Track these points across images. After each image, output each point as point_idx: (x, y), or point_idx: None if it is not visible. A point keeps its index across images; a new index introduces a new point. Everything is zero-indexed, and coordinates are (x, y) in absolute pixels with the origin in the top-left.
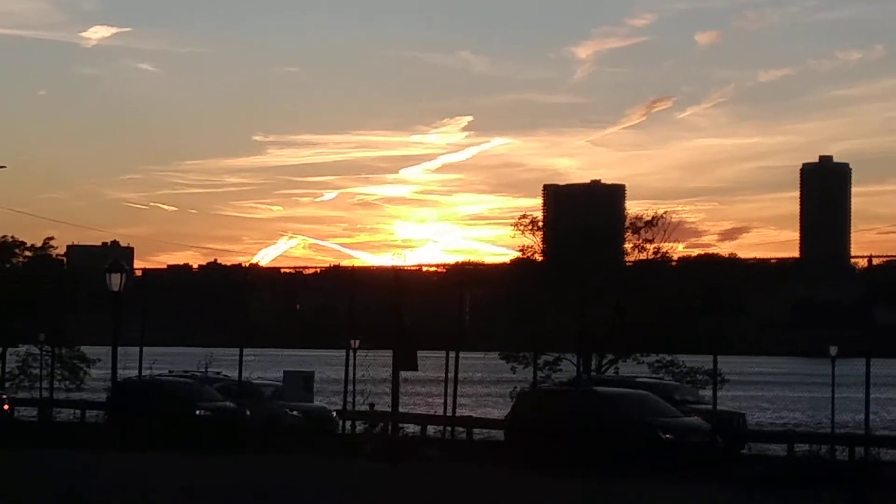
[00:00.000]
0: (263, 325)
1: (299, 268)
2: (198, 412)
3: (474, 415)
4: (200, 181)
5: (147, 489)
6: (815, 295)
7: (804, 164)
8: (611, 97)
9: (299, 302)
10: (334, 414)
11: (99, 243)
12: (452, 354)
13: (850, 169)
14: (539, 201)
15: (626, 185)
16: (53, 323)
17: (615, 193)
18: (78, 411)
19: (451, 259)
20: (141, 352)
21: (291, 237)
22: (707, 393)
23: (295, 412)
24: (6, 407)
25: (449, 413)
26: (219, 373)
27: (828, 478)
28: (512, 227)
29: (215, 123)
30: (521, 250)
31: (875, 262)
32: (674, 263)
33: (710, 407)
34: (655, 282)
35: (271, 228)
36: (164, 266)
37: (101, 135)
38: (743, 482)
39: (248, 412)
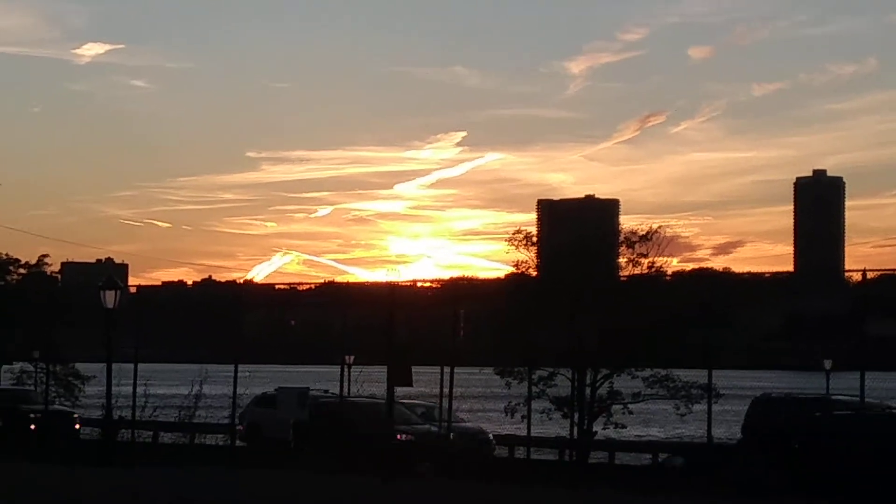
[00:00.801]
0: (257, 341)
1: (293, 284)
2: (399, 436)
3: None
4: (194, 197)
5: None
6: (809, 308)
7: (798, 178)
8: (604, 112)
9: (293, 318)
10: (491, 436)
11: (93, 260)
12: (447, 370)
13: (844, 182)
14: (533, 216)
15: (620, 199)
16: (48, 340)
17: (609, 208)
18: (150, 432)
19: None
20: (136, 368)
21: (286, 253)
22: None
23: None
24: (77, 427)
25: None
26: (326, 391)
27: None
28: (506, 243)
29: (209, 140)
30: (516, 265)
31: (869, 275)
32: (668, 278)
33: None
34: (650, 296)
35: (265, 244)
36: (159, 283)
37: (95, 151)
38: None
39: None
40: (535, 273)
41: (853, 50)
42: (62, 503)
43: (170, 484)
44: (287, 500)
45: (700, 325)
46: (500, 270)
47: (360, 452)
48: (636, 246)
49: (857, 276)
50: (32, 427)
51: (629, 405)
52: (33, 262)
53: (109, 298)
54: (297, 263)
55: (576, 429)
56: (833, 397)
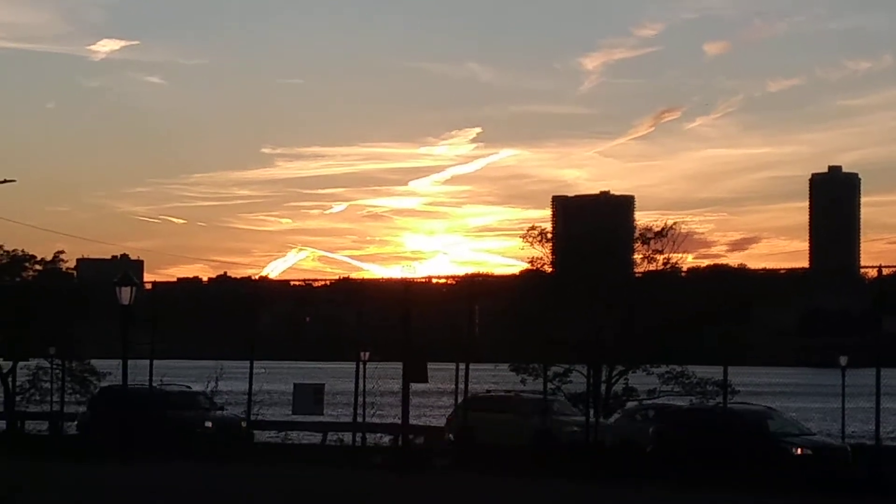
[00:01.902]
0: (273, 338)
1: (309, 280)
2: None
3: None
4: (209, 194)
5: None
6: (824, 305)
7: (813, 174)
8: (619, 108)
9: (309, 314)
10: (243, 423)
11: (109, 256)
12: (462, 366)
13: (860, 179)
14: (548, 212)
15: (635, 195)
16: (63, 336)
17: (624, 204)
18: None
19: (461, 271)
20: (151, 364)
21: (301, 250)
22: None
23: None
24: (243, 424)
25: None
26: (489, 390)
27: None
28: (521, 239)
29: (224, 136)
30: (531, 262)
31: (885, 272)
32: (683, 274)
33: None
34: (665, 293)
35: (281, 241)
36: (174, 279)
37: (110, 148)
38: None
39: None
40: (549, 269)
41: (869, 46)
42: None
43: (187, 479)
44: (301, 493)
45: (716, 321)
46: (514, 267)
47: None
48: (651, 242)
49: (872, 273)
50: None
51: (644, 402)
52: (49, 258)
53: (125, 295)
54: (313, 260)
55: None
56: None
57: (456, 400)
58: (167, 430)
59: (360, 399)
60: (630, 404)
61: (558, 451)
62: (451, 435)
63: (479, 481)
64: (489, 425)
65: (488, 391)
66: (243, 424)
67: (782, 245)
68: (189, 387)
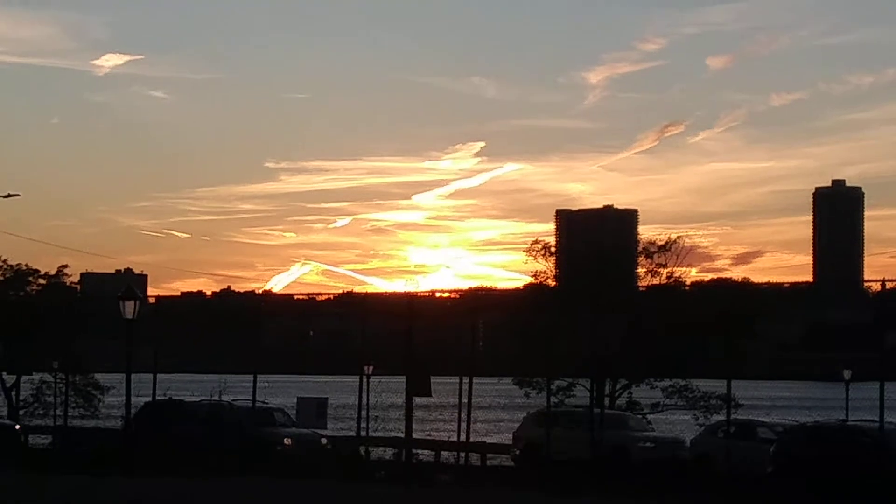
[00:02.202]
0: (277, 352)
1: (312, 294)
2: None
3: (488, 440)
4: (213, 208)
5: None
6: (828, 319)
7: (817, 188)
8: (623, 122)
9: (312, 328)
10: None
11: (112, 271)
12: (466, 380)
13: (863, 192)
14: (552, 226)
15: (639, 209)
16: (67, 351)
17: (628, 218)
18: None
19: (464, 285)
20: (154, 379)
21: (304, 263)
22: None
23: (648, 443)
24: (324, 441)
25: (463, 439)
26: (557, 404)
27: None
28: (524, 253)
29: (227, 150)
30: (534, 276)
31: (888, 285)
32: (687, 288)
33: None
34: (669, 306)
35: (284, 255)
36: (178, 293)
37: (114, 162)
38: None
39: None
40: (553, 283)
41: (872, 60)
42: None
43: (190, 495)
44: None
45: (720, 334)
46: (518, 281)
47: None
48: (655, 256)
49: (876, 286)
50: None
51: (648, 415)
52: (53, 272)
53: (129, 309)
54: (316, 274)
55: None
56: None
57: (459, 414)
58: (245, 447)
59: (364, 412)
60: (714, 419)
61: (633, 468)
62: (517, 450)
63: (486, 495)
64: (559, 440)
65: (556, 405)
66: (323, 441)
67: (786, 259)
68: (265, 402)
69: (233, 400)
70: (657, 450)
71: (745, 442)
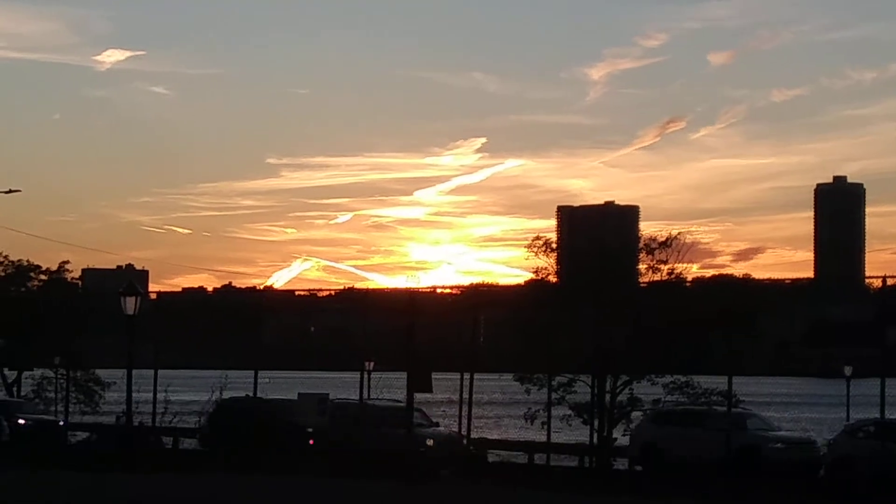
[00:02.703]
0: (277, 348)
1: (313, 290)
2: None
3: (489, 436)
4: (214, 204)
5: None
6: (829, 315)
7: (818, 184)
8: (624, 118)
9: (313, 324)
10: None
11: (114, 266)
12: (467, 376)
13: (865, 189)
14: (553, 222)
15: (640, 205)
16: (68, 346)
17: (629, 214)
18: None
19: (466, 281)
20: (155, 374)
21: (305, 259)
22: None
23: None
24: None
25: (464, 434)
26: (678, 404)
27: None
28: (526, 249)
29: (229, 146)
30: (535, 272)
31: (889, 282)
32: (688, 284)
33: None
34: (670, 303)
35: (285, 251)
36: (179, 289)
37: (115, 158)
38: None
39: None
40: (554, 279)
41: (874, 56)
42: None
43: (190, 491)
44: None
45: (721, 331)
46: (519, 277)
47: None
48: (656, 252)
49: (877, 283)
50: (311, 441)
51: (649, 412)
52: (54, 268)
53: (130, 305)
54: (317, 270)
55: (595, 435)
56: None
57: (460, 410)
58: (383, 448)
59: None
60: (854, 419)
61: (764, 471)
62: (634, 452)
63: (490, 491)
64: (680, 441)
65: (677, 404)
66: (465, 442)
67: (787, 255)
68: (400, 401)
69: (367, 399)
70: (790, 451)
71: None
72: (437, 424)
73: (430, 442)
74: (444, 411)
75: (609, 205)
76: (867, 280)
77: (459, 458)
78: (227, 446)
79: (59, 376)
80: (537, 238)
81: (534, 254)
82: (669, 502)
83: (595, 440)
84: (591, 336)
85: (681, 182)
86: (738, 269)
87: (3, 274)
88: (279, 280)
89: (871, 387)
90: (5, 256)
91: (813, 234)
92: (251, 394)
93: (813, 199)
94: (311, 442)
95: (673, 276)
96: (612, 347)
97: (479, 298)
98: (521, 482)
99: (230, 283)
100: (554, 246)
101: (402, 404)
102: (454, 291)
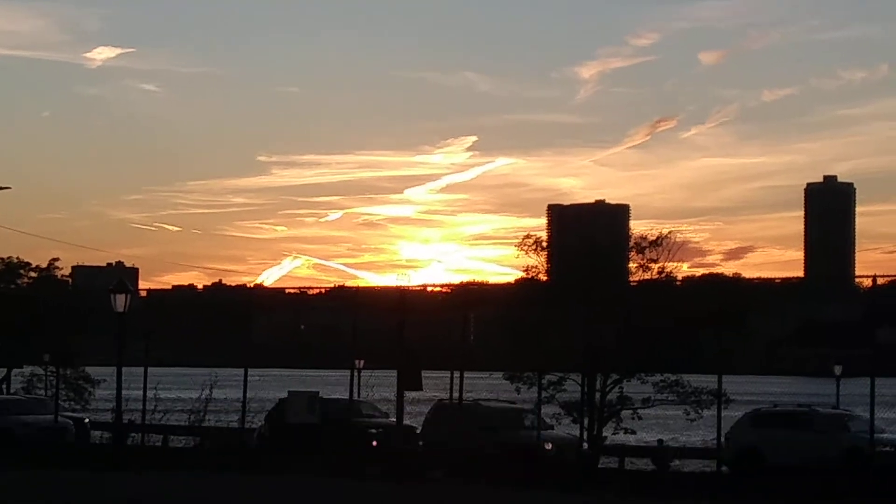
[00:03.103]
0: (267, 345)
1: (304, 288)
2: None
3: None
4: (204, 201)
5: None
6: (819, 314)
7: (808, 184)
8: (615, 117)
9: (303, 322)
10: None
11: (104, 264)
12: (457, 374)
13: (855, 188)
14: (543, 221)
15: (631, 204)
16: (58, 344)
17: (619, 213)
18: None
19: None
20: (146, 372)
21: (296, 257)
22: None
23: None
24: (584, 445)
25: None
26: (775, 405)
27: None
28: (516, 247)
29: (219, 144)
30: (526, 270)
31: (879, 281)
32: (678, 283)
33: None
34: (660, 301)
35: (276, 249)
36: (169, 286)
37: (105, 155)
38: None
39: None
40: (545, 277)
41: (865, 55)
42: None
43: (180, 489)
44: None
45: (711, 329)
46: (509, 275)
47: None
48: (646, 251)
49: (867, 282)
50: (374, 443)
51: (639, 410)
52: (44, 265)
53: (120, 302)
54: (308, 268)
55: (585, 434)
56: None
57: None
58: (500, 451)
59: None
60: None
61: (874, 477)
62: (732, 455)
63: (480, 491)
64: (780, 444)
65: (775, 406)
66: (584, 446)
67: (777, 254)
68: (513, 402)
69: (477, 400)
70: None
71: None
72: (552, 427)
73: (548, 446)
74: None
75: (599, 203)
76: (857, 279)
77: (578, 463)
78: (285, 447)
79: (48, 374)
80: (528, 236)
81: (524, 252)
82: (671, 502)
83: (585, 438)
84: (581, 334)
85: (671, 181)
86: (728, 269)
87: None
88: (269, 278)
89: (861, 385)
90: None
91: (803, 233)
92: (241, 391)
93: (803, 198)
94: (374, 444)
95: (663, 274)
96: (601, 345)
97: (470, 296)
98: (521, 482)
99: (220, 280)
100: (544, 244)
101: (516, 405)
102: (444, 289)
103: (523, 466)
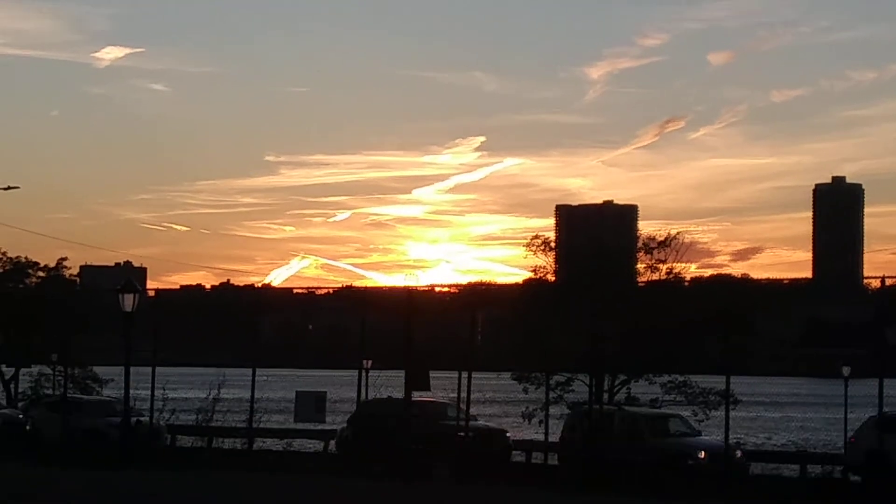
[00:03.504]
0: (275, 345)
1: (312, 288)
2: None
3: None
4: (213, 201)
5: None
6: (827, 315)
7: (817, 185)
8: (623, 117)
9: (311, 322)
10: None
11: (112, 263)
12: (465, 374)
13: (863, 189)
14: (551, 221)
15: (639, 205)
16: (66, 343)
17: (627, 214)
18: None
19: (464, 279)
20: (153, 372)
21: (304, 257)
22: None
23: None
24: (738, 454)
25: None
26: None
27: (841, 498)
28: (524, 248)
29: (227, 143)
30: (534, 270)
31: (888, 282)
32: (686, 284)
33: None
34: (668, 302)
35: (284, 249)
36: (177, 286)
37: (114, 155)
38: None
39: None
40: (552, 278)
41: (874, 56)
42: None
43: (187, 488)
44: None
45: (719, 330)
46: (518, 275)
47: None
48: (654, 252)
49: (875, 283)
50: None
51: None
52: (52, 265)
53: (128, 302)
54: (316, 268)
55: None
56: None
57: (458, 409)
58: (651, 461)
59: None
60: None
61: None
62: (860, 460)
63: (485, 491)
64: None
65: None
66: (738, 454)
67: (785, 255)
68: (660, 406)
69: (620, 404)
70: None
71: None
72: (699, 433)
73: (702, 454)
74: None
75: (608, 204)
76: (866, 280)
77: (731, 475)
78: (370, 452)
79: (56, 373)
80: (536, 237)
81: (532, 253)
82: (677, 502)
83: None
84: (588, 335)
85: (679, 182)
86: (736, 269)
87: (1, 270)
88: (277, 278)
89: (869, 386)
90: (3, 253)
91: (811, 234)
92: (248, 391)
93: (812, 199)
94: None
95: (671, 275)
96: (609, 346)
97: (478, 297)
98: (521, 482)
99: (228, 280)
100: (552, 245)
101: (664, 411)
102: (452, 290)
103: (673, 477)
